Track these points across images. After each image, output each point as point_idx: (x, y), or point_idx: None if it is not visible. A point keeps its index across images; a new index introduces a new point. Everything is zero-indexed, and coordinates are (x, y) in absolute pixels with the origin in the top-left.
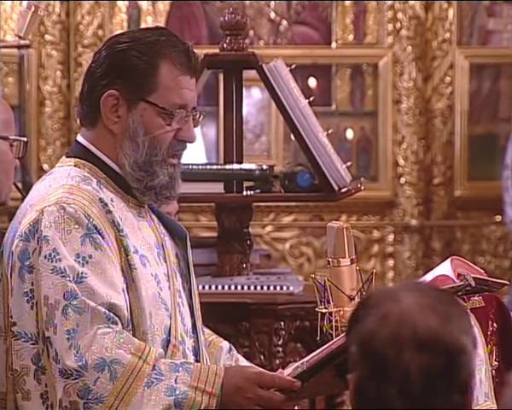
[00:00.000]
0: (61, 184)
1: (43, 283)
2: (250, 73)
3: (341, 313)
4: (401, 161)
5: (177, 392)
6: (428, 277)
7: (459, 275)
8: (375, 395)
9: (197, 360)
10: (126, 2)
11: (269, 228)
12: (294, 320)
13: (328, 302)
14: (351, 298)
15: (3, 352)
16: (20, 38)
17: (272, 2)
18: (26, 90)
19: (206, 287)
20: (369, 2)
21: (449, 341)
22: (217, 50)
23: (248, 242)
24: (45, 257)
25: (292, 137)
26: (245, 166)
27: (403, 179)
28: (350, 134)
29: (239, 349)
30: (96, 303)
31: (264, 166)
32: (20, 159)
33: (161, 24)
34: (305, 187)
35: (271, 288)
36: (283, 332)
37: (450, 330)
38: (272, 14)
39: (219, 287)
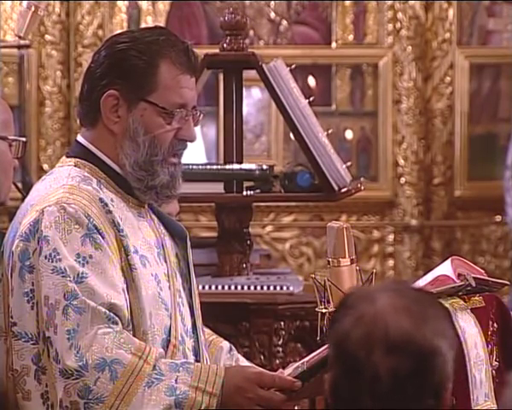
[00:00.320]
0: (62, 184)
1: (43, 283)
2: (250, 73)
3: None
4: (401, 161)
5: (178, 392)
6: (429, 277)
7: (459, 275)
8: (348, 395)
9: (197, 360)
10: (126, 2)
11: (269, 228)
12: (294, 320)
13: (328, 302)
14: None
15: (4, 352)
16: (20, 38)
17: (272, 2)
18: (26, 90)
19: (206, 287)
20: (369, 2)
21: (421, 343)
22: (217, 50)
23: (248, 242)
24: (45, 257)
25: (292, 137)
26: (245, 166)
27: (403, 179)
28: (350, 134)
29: (239, 349)
30: (96, 303)
31: (264, 166)
32: (20, 159)
33: (161, 24)
34: (305, 187)
35: (271, 288)
36: (283, 332)
37: (422, 332)
38: (272, 14)
39: (219, 287)
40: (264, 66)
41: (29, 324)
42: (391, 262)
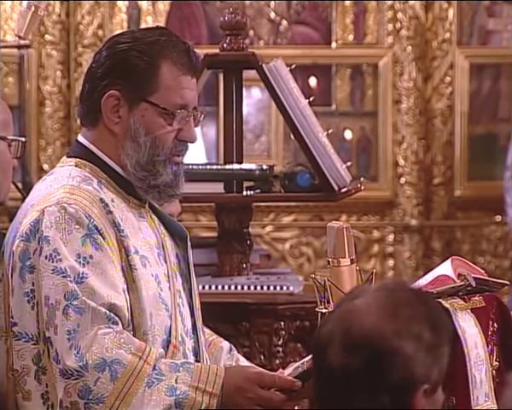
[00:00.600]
0: (62, 185)
1: (43, 283)
2: (250, 73)
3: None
4: (401, 161)
5: (178, 392)
6: (429, 277)
7: (460, 275)
8: (315, 393)
9: (197, 361)
10: (126, 2)
11: (269, 228)
12: (294, 320)
13: (328, 302)
14: None
15: (4, 352)
16: (20, 38)
17: (272, 2)
18: (26, 90)
19: (206, 287)
20: (369, 2)
21: (377, 342)
22: (217, 50)
23: (248, 242)
24: (46, 257)
25: (292, 137)
26: (245, 166)
27: (403, 179)
28: (350, 134)
29: (239, 349)
30: (96, 303)
31: (264, 166)
32: (19, 159)
33: (161, 24)
34: (305, 187)
35: (271, 288)
36: (283, 332)
37: (383, 332)
38: (272, 14)
39: (219, 287)
40: (264, 66)
41: (29, 324)
42: (391, 262)
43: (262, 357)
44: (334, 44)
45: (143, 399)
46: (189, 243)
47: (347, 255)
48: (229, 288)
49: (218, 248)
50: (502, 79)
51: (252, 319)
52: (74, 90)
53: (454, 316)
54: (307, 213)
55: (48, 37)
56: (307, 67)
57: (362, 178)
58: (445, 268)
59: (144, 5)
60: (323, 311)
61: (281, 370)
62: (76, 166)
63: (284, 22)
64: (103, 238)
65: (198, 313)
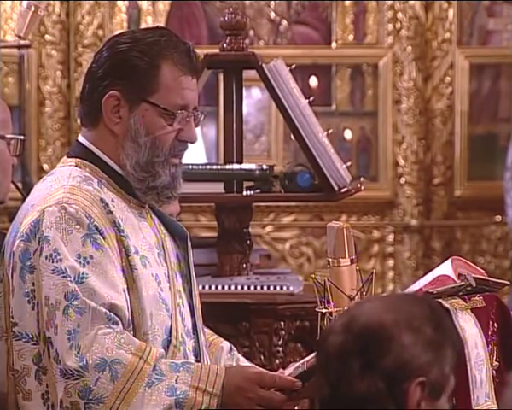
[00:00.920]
0: (63, 185)
1: (43, 283)
2: (250, 73)
3: (341, 313)
4: (401, 161)
5: (178, 392)
6: (429, 277)
7: (460, 275)
8: (317, 388)
9: (198, 361)
10: (126, 2)
11: (269, 228)
12: (294, 320)
13: (328, 302)
14: (351, 298)
15: (4, 352)
16: (20, 38)
17: (272, 2)
18: (26, 90)
19: (206, 287)
20: (369, 2)
21: (375, 327)
22: (217, 50)
23: (248, 242)
24: (46, 257)
25: (292, 137)
26: (245, 166)
27: (403, 179)
28: (350, 134)
29: (239, 349)
30: (96, 304)
31: (264, 166)
32: (19, 156)
33: (161, 24)
34: (305, 187)
35: (271, 288)
36: (283, 332)
37: (382, 320)
38: (272, 14)
39: (219, 287)
40: (264, 66)
41: (30, 324)
42: (391, 262)
43: (262, 357)
44: (334, 44)
45: (143, 399)
46: (189, 243)
47: (347, 255)
48: (229, 288)
49: (218, 248)
50: (502, 79)
51: (252, 319)
52: (74, 90)
53: (454, 316)
54: (307, 213)
55: (48, 37)
56: (307, 67)
57: (362, 178)
58: (445, 268)
59: (144, 5)
60: (323, 311)
61: (281, 370)
62: (76, 166)
63: (284, 22)
64: (103, 238)
65: (198, 313)
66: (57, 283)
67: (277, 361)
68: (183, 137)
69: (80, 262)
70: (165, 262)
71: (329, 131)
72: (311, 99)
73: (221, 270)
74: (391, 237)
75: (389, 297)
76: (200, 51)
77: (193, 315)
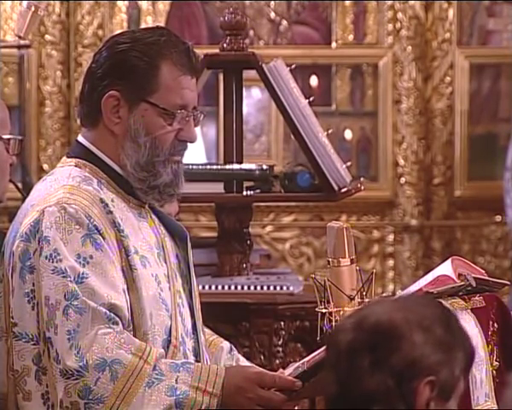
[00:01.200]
0: (62, 185)
1: (43, 283)
2: (250, 73)
3: (341, 313)
4: (401, 161)
5: (178, 392)
6: (429, 277)
7: (460, 275)
8: (326, 386)
9: (198, 361)
10: (126, 2)
11: (269, 228)
12: (294, 320)
13: (328, 302)
14: (351, 298)
15: (4, 352)
16: (20, 38)
17: (272, 2)
18: (26, 90)
19: (206, 287)
20: (369, 2)
21: (386, 325)
22: (217, 50)
23: (248, 242)
24: (46, 257)
25: (292, 137)
26: (245, 166)
27: (403, 179)
28: (350, 134)
29: (239, 349)
30: (96, 304)
31: (264, 166)
32: (17, 155)
33: (161, 24)
34: (305, 187)
35: (271, 288)
36: (283, 332)
37: (392, 317)
38: (272, 14)
39: (219, 287)
40: (264, 66)
41: (29, 324)
42: (391, 262)
43: (262, 357)
44: (334, 44)
45: (143, 399)
46: (189, 244)
47: (347, 255)
48: (229, 288)
49: (218, 248)
50: (502, 79)
51: (252, 319)
52: (74, 90)
53: None
54: (307, 213)
55: (48, 37)
56: (307, 67)
57: (362, 178)
58: (445, 268)
59: (144, 5)
60: (323, 311)
61: (281, 370)
62: (76, 166)
63: (284, 22)
64: (103, 238)
65: (198, 314)
66: (57, 283)
67: (277, 361)
68: (182, 136)
69: (80, 262)
70: (165, 262)
71: (329, 131)
72: (311, 99)
73: (221, 270)
74: (391, 237)
75: (400, 298)
76: (200, 51)
77: (193, 315)
